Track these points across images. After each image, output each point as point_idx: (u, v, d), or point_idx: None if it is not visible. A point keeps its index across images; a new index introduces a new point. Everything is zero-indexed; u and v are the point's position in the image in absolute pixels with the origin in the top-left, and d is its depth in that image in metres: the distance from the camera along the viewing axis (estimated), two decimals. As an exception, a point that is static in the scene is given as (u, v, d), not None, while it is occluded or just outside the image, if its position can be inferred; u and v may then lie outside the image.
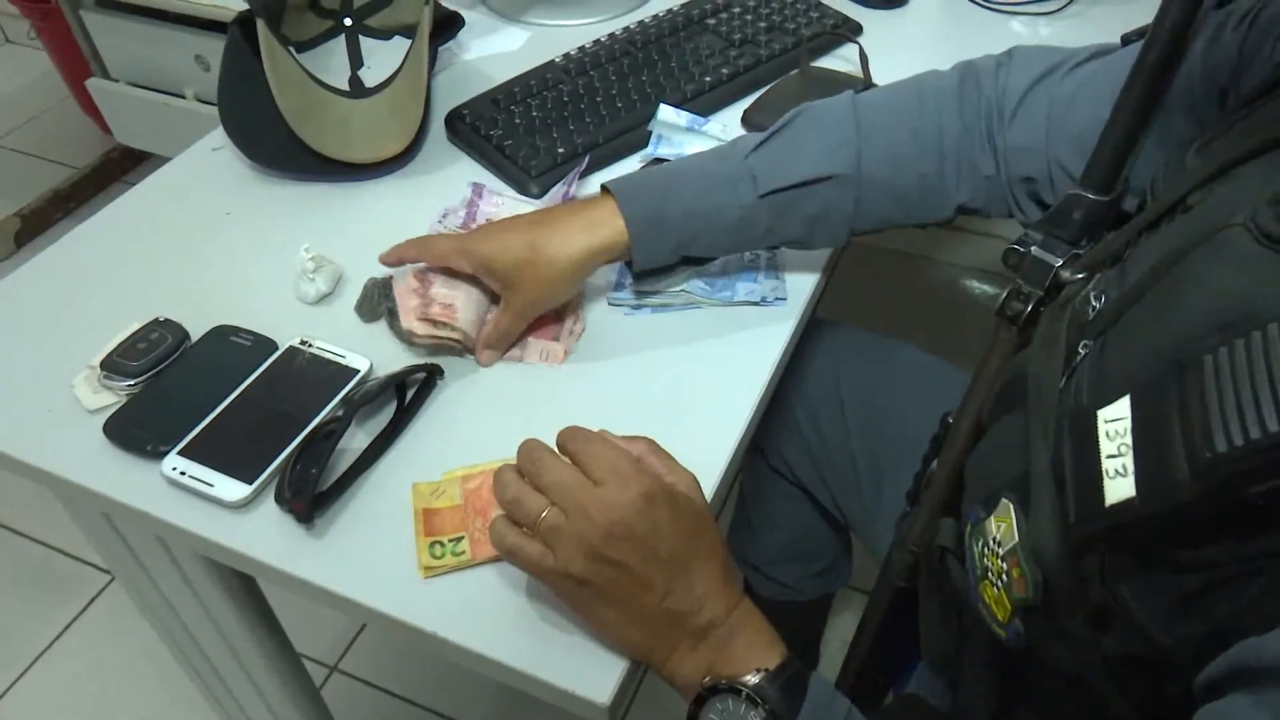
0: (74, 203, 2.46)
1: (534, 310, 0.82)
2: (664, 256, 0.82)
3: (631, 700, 1.55)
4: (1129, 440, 0.48)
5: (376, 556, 0.69)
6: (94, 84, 1.74)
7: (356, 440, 0.76)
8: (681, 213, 0.80)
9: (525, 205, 0.96)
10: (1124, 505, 0.48)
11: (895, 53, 1.13)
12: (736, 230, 0.81)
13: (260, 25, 0.97)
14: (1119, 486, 0.48)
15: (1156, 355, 0.50)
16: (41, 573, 1.75)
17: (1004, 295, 0.72)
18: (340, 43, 1.13)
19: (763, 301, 0.87)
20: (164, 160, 1.06)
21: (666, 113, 1.01)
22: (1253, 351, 0.43)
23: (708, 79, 1.08)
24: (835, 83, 1.07)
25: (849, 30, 1.16)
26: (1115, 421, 0.50)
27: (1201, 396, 0.44)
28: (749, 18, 1.17)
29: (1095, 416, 0.51)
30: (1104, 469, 0.49)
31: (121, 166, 2.54)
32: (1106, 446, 0.49)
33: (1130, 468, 0.48)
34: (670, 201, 0.80)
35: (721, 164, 0.82)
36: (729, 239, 0.82)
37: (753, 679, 0.60)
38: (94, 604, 1.70)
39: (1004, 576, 0.59)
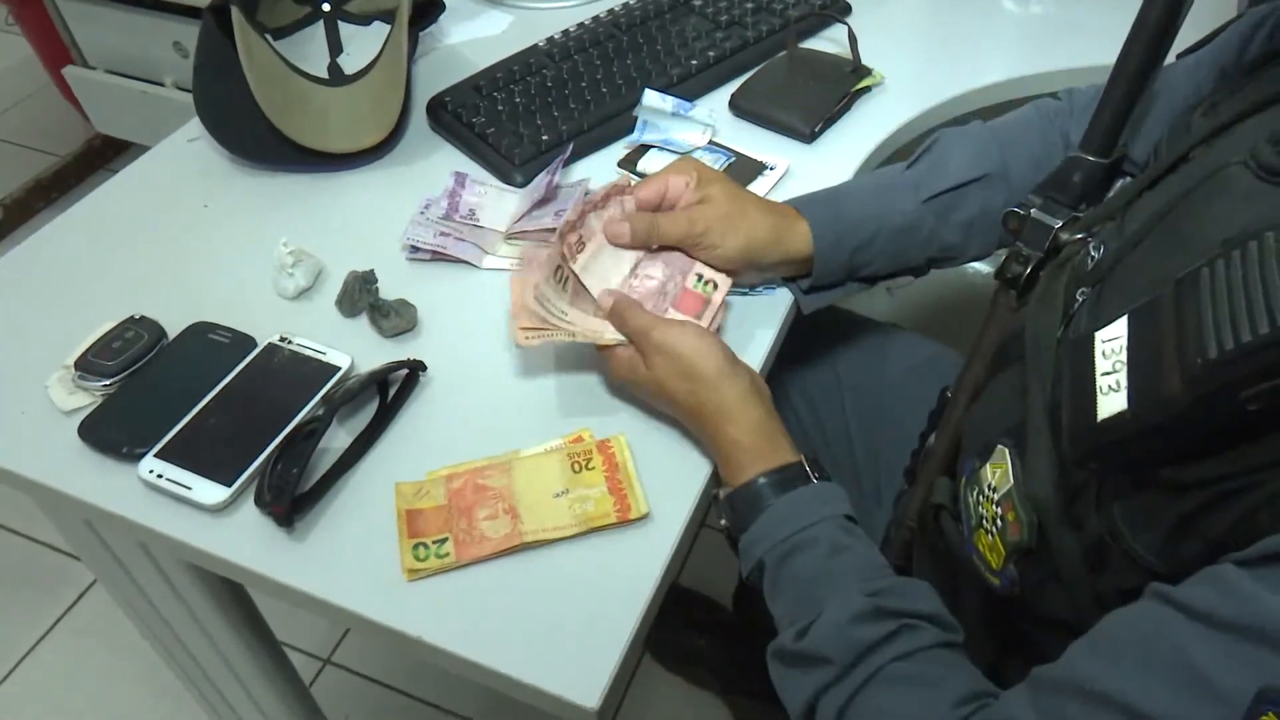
0: (56, 192, 2.43)
1: (700, 240, 0.78)
2: (840, 263, 0.82)
3: (620, 703, 1.54)
4: (1124, 357, 0.49)
5: (359, 559, 0.68)
6: (71, 72, 1.71)
7: (338, 440, 0.75)
8: (857, 215, 0.82)
9: (509, 194, 0.94)
10: (1115, 419, 0.48)
11: (884, 34, 1.11)
12: (903, 235, 0.83)
13: (234, 12, 0.95)
14: (1111, 401, 0.49)
15: (1156, 284, 0.50)
16: (28, 569, 1.73)
17: (1003, 258, 0.73)
18: (318, 29, 1.11)
19: (752, 290, 0.85)
20: (146, 149, 1.03)
21: (652, 98, 0.99)
22: (1248, 260, 0.43)
23: (694, 62, 1.06)
24: (824, 65, 1.05)
25: (837, 11, 1.14)
26: (1112, 340, 0.50)
27: (1196, 308, 0.44)
28: (735, -2, 1.15)
29: (1093, 337, 0.52)
30: (1098, 386, 0.50)
31: (104, 155, 2.51)
32: (1102, 364, 0.50)
33: (1123, 383, 0.48)
34: (844, 208, 0.83)
35: (882, 179, 0.87)
36: (895, 245, 0.83)
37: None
38: (82, 600, 1.68)
39: (998, 522, 0.60)
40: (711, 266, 0.79)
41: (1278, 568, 0.40)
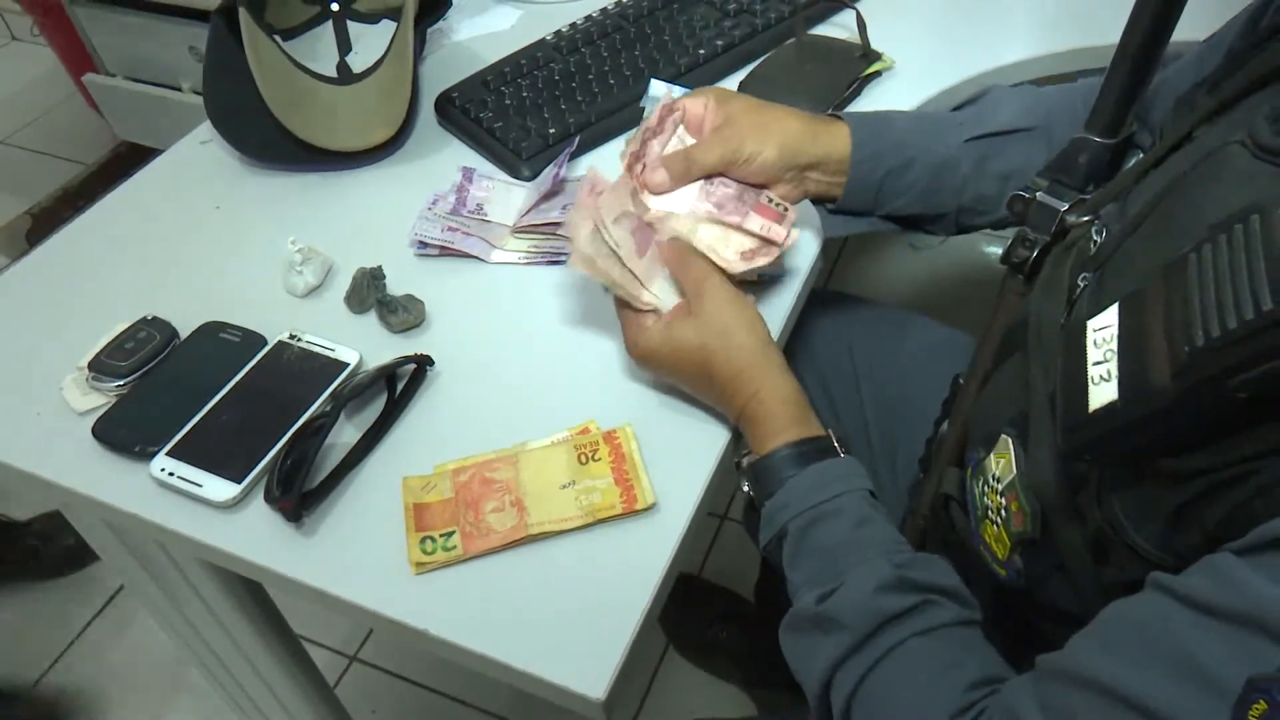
0: (84, 200, 2.46)
1: (736, 155, 0.77)
2: (872, 182, 0.82)
3: (645, 696, 1.54)
4: (1114, 346, 0.48)
5: (367, 554, 0.68)
6: (90, 79, 1.73)
7: (347, 435, 0.75)
8: (898, 138, 0.82)
9: (517, 188, 0.94)
10: (1106, 410, 0.47)
11: (894, 17, 1.10)
12: (940, 171, 0.82)
13: (242, 14, 0.96)
14: (1102, 392, 0.48)
15: (1150, 269, 0.49)
16: (61, 570, 1.75)
17: (1009, 243, 0.72)
18: (327, 28, 1.11)
19: (761, 278, 0.84)
20: (169, 155, 1.04)
21: (659, 88, 0.98)
22: (1234, 245, 0.42)
23: (701, 51, 1.05)
24: (832, 51, 1.04)
25: (847, -5, 1.13)
26: (1103, 329, 0.50)
27: (1184, 294, 0.44)
28: (744, -14, 1.14)
29: (1084, 326, 0.51)
30: (1089, 376, 0.49)
31: (130, 161, 2.53)
32: (1093, 354, 0.50)
33: (1114, 373, 0.48)
34: (886, 127, 0.83)
35: (926, 116, 0.87)
36: (930, 179, 0.83)
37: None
38: (113, 602, 1.70)
39: (1003, 512, 0.60)
40: (759, 185, 0.79)
41: (1273, 555, 0.40)
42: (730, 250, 0.76)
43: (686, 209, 0.77)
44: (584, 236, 0.74)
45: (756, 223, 0.77)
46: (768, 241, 0.77)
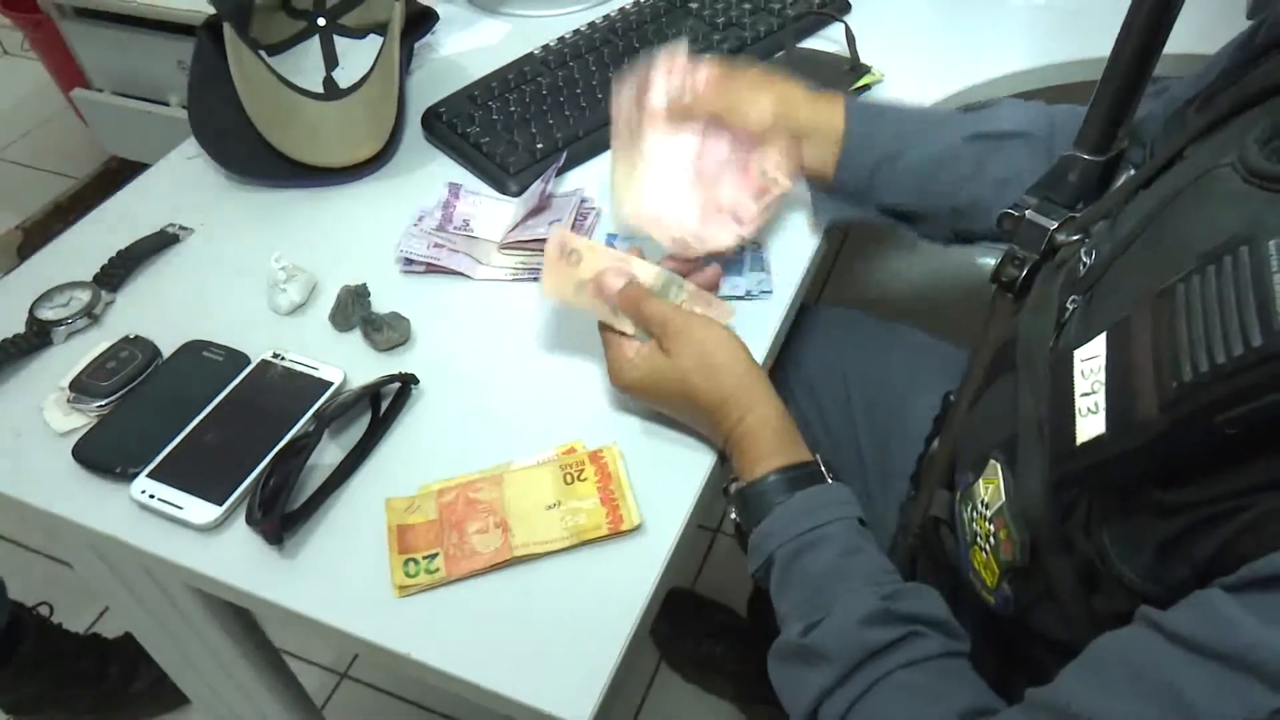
0: (75, 214, 2.43)
1: (733, 99, 0.82)
2: (865, 165, 0.83)
3: (638, 712, 1.53)
4: (1102, 377, 0.48)
5: (349, 576, 0.67)
6: (79, 94, 1.72)
7: (330, 455, 0.74)
8: (896, 126, 0.84)
9: (504, 204, 0.94)
10: (1094, 443, 0.47)
11: (884, 31, 1.10)
12: (935, 164, 0.83)
13: (227, 29, 0.95)
14: (1090, 424, 0.47)
15: (1138, 295, 0.48)
16: (52, 587, 1.73)
17: (998, 261, 0.71)
18: (314, 44, 1.10)
19: (748, 296, 0.84)
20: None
21: (648, 102, 0.98)
22: (1223, 277, 0.42)
23: (690, 65, 1.04)
24: (822, 64, 1.04)
25: (836, 9, 1.12)
26: (1090, 360, 0.49)
27: (1172, 327, 0.43)
28: None
29: (1072, 356, 0.50)
30: (1077, 407, 0.48)
31: (121, 176, 2.52)
32: (1081, 385, 0.49)
33: (1102, 404, 0.47)
34: (886, 113, 0.86)
35: (929, 110, 0.89)
36: (925, 171, 0.83)
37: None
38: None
39: (992, 539, 0.59)
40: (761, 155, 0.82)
41: (1263, 593, 0.39)
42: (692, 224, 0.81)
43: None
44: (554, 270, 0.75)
45: (729, 195, 0.81)
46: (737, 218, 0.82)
